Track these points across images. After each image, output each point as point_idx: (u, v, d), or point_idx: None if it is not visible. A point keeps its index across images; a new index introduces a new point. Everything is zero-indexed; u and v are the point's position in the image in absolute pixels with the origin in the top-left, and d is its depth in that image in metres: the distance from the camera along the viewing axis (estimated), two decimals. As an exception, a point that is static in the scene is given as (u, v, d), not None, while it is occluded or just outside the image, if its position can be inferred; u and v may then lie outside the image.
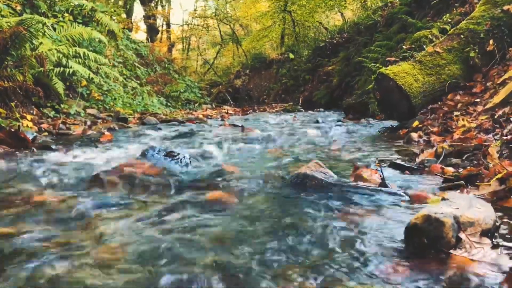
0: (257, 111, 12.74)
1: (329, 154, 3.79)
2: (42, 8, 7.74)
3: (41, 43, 6.25)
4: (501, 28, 5.57)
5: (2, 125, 4.25)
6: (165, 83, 12.45)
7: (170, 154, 2.71)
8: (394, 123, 5.86)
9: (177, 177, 2.22)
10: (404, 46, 8.57)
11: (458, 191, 1.82)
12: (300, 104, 14.65)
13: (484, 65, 5.59)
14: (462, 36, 5.69)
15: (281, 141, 4.53)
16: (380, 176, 2.08)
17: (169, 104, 11.54)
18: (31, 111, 6.17)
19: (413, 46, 8.04)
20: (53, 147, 4.14)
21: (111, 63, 9.55)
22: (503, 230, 1.36)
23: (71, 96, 7.42)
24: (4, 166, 2.80)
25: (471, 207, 1.29)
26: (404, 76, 5.32)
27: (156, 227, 1.53)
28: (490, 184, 1.78)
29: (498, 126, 3.35)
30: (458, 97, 5.34)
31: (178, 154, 2.70)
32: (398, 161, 3.00)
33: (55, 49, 6.19)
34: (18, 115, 5.66)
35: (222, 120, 8.81)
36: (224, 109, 12.67)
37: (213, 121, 8.66)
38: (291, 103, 14.21)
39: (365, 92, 9.02)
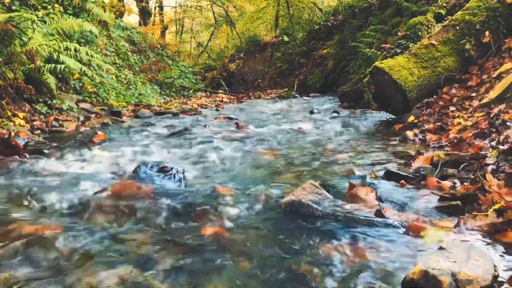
0: (252, 97, 12.66)
1: (324, 157, 3.77)
2: (31, 0, 7.59)
3: (30, 38, 6.14)
4: (497, 19, 5.51)
5: (-7, 131, 4.18)
6: (159, 70, 12.33)
7: (163, 170, 2.68)
8: (389, 115, 5.84)
9: (169, 201, 2.19)
10: (399, 33, 8.47)
11: (456, 227, 1.80)
12: (295, 89, 14.56)
13: (480, 57, 5.54)
14: (457, 28, 5.62)
15: (275, 141, 4.50)
16: (376, 197, 2.06)
17: (163, 92, 11.44)
18: (23, 108, 6.09)
19: (408, 33, 7.95)
20: (46, 151, 4.10)
21: (104, 52, 9.42)
22: (502, 278, 1.35)
23: (63, 88, 7.33)
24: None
25: (469, 259, 1.27)
26: (399, 70, 5.27)
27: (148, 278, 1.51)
28: (487, 215, 1.76)
29: (494, 130, 3.32)
30: (453, 90, 5.31)
31: (171, 169, 2.67)
32: (394, 169, 2.98)
33: (46, 44, 6.09)
34: (10, 113, 5.59)
35: (217, 110, 8.76)
36: (219, 97, 12.57)
37: (207, 111, 8.60)
38: (286, 89, 14.10)
39: (360, 80, 8.95)
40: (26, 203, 2.36)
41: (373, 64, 5.55)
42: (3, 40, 5.50)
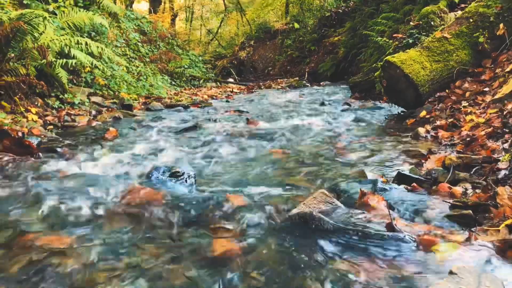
0: (262, 87, 12.63)
1: (335, 156, 3.76)
2: (42, -7, 7.61)
3: (42, 33, 6.17)
4: (512, 10, 5.42)
5: (7, 130, 4.23)
6: (169, 60, 12.33)
7: (174, 174, 2.70)
8: (401, 108, 5.80)
9: (182, 210, 2.21)
10: (411, 22, 8.36)
11: (466, 237, 1.80)
12: (305, 77, 14.50)
13: (493, 50, 5.46)
14: (471, 20, 5.54)
15: (285, 137, 4.49)
16: (387, 209, 2.06)
17: (173, 82, 11.46)
18: (36, 103, 6.15)
19: (420, 22, 7.85)
20: (58, 149, 4.14)
21: (114, 44, 9.44)
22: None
23: (75, 81, 7.37)
24: (2, 188, 2.79)
25: (480, 286, 1.28)
26: (411, 64, 5.22)
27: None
28: (499, 230, 1.76)
29: (507, 130, 3.29)
30: (466, 84, 5.25)
31: (183, 173, 2.70)
32: (405, 172, 2.98)
33: (57, 39, 6.11)
34: (23, 109, 5.65)
35: (227, 101, 8.75)
36: (229, 88, 12.56)
37: (218, 102, 8.61)
38: (297, 78, 14.07)
39: (372, 70, 8.88)
40: (39, 210, 2.39)
41: (385, 58, 5.50)
42: (15, 37, 5.53)
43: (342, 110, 6.61)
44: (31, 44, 5.90)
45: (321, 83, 12.93)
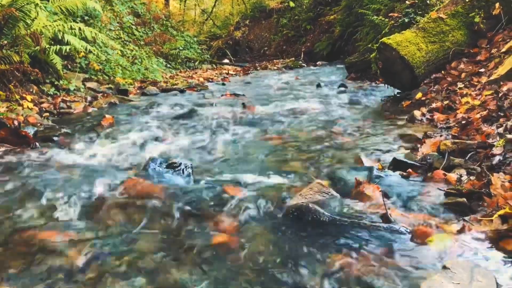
0: (258, 68, 12.56)
1: (332, 141, 3.78)
2: (33, -23, 7.48)
3: (34, 19, 6.11)
4: (508, -11, 5.38)
5: (3, 121, 4.23)
6: (164, 42, 12.22)
7: (171, 166, 2.72)
8: (397, 90, 5.80)
9: (179, 203, 2.23)
10: (407, 1, 8.29)
11: (460, 228, 1.83)
12: (301, 56, 14.42)
13: (489, 29, 5.44)
14: (466, 0, 5.50)
15: (282, 123, 4.50)
16: (383, 199, 2.08)
17: (168, 65, 11.38)
18: (31, 90, 6.12)
19: (416, 1, 7.79)
20: (55, 138, 4.14)
21: (108, 28, 9.35)
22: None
23: (69, 66, 7.32)
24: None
25: (473, 281, 1.31)
26: (407, 46, 5.20)
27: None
28: (492, 220, 1.78)
29: (502, 114, 3.30)
30: (462, 65, 5.25)
31: (180, 164, 2.71)
32: (401, 158, 3.01)
33: (50, 25, 6.05)
34: (18, 97, 5.62)
35: (223, 84, 8.72)
36: (225, 69, 12.49)
37: (214, 85, 8.57)
38: (293, 58, 13.99)
39: (368, 50, 8.84)
40: (38, 203, 2.41)
41: (380, 40, 5.48)
42: (7, 24, 5.47)
43: (339, 92, 6.61)
44: (23, 31, 5.84)
45: (317, 63, 12.87)
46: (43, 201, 2.45)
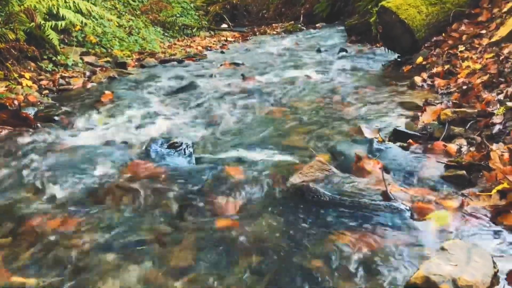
0: (257, 33, 12.39)
1: (332, 111, 3.78)
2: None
3: (27, -6, 6.00)
4: None
5: (4, 103, 4.22)
6: (160, 10, 12.03)
7: (172, 146, 2.73)
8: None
9: (181, 185, 2.26)
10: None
11: (459, 204, 1.85)
12: (301, 19, 14.19)
13: (491, -12, 5.32)
14: (468, -42, 5.37)
15: (282, 93, 4.48)
16: (382, 176, 2.10)
17: (166, 34, 11.22)
18: (29, 67, 6.08)
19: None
20: (56, 118, 4.14)
21: (103, -2, 9.19)
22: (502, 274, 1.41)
23: (66, 40, 7.24)
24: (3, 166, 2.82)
25: (470, 261, 1.33)
26: (407, 9, 5.11)
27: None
28: (490, 195, 1.80)
29: (503, 80, 3.27)
30: (463, 27, 5.16)
31: (181, 144, 2.72)
32: (401, 128, 3.01)
33: (43, 0, 5.96)
34: (16, 75, 5.59)
35: (222, 52, 8.63)
36: (223, 36, 12.31)
37: (212, 54, 8.48)
38: (292, 22, 13.74)
39: (368, 12, 8.68)
40: (41, 189, 2.43)
41: (380, 4, 5.38)
42: (0, 1, 5.39)
43: (339, 58, 6.55)
44: (17, 8, 5.76)
45: (317, 25, 12.66)
46: (47, 186, 2.47)
